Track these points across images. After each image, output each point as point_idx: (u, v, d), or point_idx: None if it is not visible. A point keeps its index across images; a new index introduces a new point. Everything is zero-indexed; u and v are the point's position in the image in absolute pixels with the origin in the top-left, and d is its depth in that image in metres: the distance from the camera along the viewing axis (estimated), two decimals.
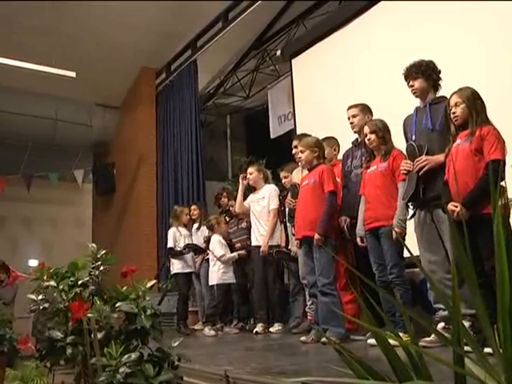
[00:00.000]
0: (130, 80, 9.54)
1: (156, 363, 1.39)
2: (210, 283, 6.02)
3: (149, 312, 1.44)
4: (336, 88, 6.32)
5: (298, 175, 4.95)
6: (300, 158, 4.20)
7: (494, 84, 4.12)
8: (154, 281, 1.62)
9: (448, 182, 3.03)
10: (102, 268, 1.65)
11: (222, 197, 6.68)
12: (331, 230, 3.99)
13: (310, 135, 4.59)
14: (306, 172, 4.71)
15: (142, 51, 8.75)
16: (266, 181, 5.68)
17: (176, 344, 1.50)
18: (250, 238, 5.77)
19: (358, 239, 3.81)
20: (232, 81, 9.56)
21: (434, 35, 5.03)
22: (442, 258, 3.27)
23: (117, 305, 1.47)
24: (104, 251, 1.66)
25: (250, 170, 5.74)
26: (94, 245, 1.65)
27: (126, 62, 8.89)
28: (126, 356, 1.33)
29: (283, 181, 5.30)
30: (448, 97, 3.29)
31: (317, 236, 3.89)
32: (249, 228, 5.93)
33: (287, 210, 5.17)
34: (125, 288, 1.66)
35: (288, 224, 5.23)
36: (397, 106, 4.81)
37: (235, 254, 5.96)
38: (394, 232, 3.49)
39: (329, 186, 4.01)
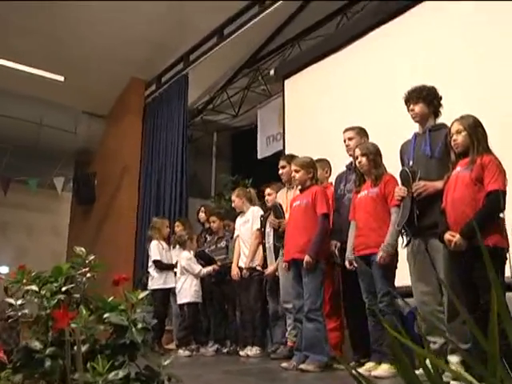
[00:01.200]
0: (119, 89, 9.43)
1: (144, 382, 1.27)
2: (180, 301, 5.94)
3: (140, 325, 1.32)
4: (328, 111, 6.30)
5: (282, 195, 4.91)
6: (294, 177, 4.15)
7: (495, 112, 4.11)
8: (147, 292, 1.51)
9: (445, 210, 2.98)
10: (89, 275, 1.53)
11: (200, 212, 6.60)
12: (322, 254, 3.92)
13: (297, 156, 4.56)
14: (291, 193, 4.67)
15: (133, 61, 8.66)
16: (251, 201, 5.63)
17: (166, 363, 1.38)
18: (228, 258, 5.76)
19: (347, 263, 3.73)
20: (222, 98, 9.52)
21: (434, 60, 5.06)
22: (435, 289, 3.21)
23: (105, 316, 1.35)
24: (93, 256, 1.54)
25: (232, 197, 5.76)
26: (82, 249, 1.54)
27: (116, 71, 8.79)
28: (114, 373, 1.21)
29: (266, 197, 5.24)
30: (448, 124, 3.28)
31: (308, 258, 3.82)
32: (228, 247, 5.92)
33: (268, 230, 5.12)
34: (111, 298, 1.54)
35: (267, 245, 5.16)
36: (392, 131, 4.82)
37: (210, 268, 5.90)
38: (378, 256, 3.42)
39: (322, 208, 3.97)
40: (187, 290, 5.89)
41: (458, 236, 2.78)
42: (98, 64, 8.42)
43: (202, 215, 6.54)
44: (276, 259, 4.94)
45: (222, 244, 6.03)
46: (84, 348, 1.36)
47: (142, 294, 1.43)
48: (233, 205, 5.75)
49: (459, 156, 3.00)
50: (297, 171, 4.13)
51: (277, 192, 5.10)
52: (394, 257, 3.50)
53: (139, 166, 9.36)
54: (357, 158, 3.75)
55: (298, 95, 6.99)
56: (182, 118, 8.75)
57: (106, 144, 9.92)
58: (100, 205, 9.77)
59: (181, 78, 8.76)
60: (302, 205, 4.06)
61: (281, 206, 4.51)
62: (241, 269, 5.41)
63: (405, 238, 3.40)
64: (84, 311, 1.39)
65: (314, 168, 4.16)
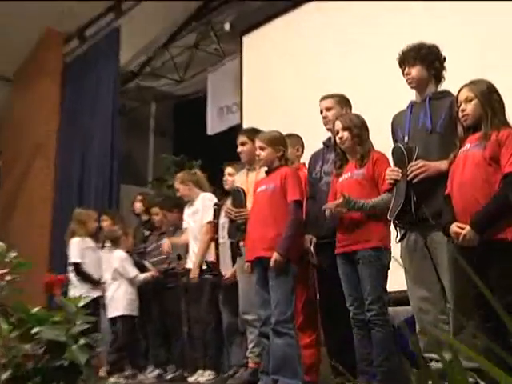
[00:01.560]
0: (30, 44, 9.11)
1: None
2: (112, 314, 5.90)
3: (82, 342, 1.23)
4: (298, 76, 6.32)
5: (241, 178, 4.87)
6: (259, 155, 4.10)
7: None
8: (90, 297, 1.42)
9: (451, 196, 2.99)
10: (9, 277, 1.42)
11: (136, 201, 6.56)
12: (294, 251, 3.89)
13: (261, 130, 4.54)
14: (253, 175, 4.64)
15: (47, 7, 8.33)
16: (200, 187, 5.62)
17: None
18: (169, 258, 5.80)
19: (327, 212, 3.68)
20: (163, 58, 9.42)
21: (429, 14, 5.08)
22: (437, 295, 3.23)
23: (34, 330, 1.26)
24: (15, 253, 1.44)
25: (175, 185, 5.73)
26: (0, 243, 1.43)
27: (25, 21, 8.46)
28: None
29: (225, 178, 5.20)
30: (452, 92, 3.29)
31: (277, 256, 3.77)
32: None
33: (222, 221, 5.09)
34: (38, 308, 1.45)
35: (221, 240, 5.14)
36: (381, 101, 4.85)
37: (148, 274, 5.87)
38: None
39: (294, 194, 3.93)
40: (120, 300, 5.81)
41: (467, 228, 2.79)
42: (2, 11, 8.11)
43: (138, 205, 6.48)
44: (233, 259, 4.91)
45: (164, 241, 5.94)
46: (5, 375, 1.27)
47: (83, 301, 1.35)
48: (177, 194, 5.70)
49: (469, 130, 3.01)
50: (262, 148, 4.09)
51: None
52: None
53: (56, 144, 9.11)
54: (337, 132, 3.74)
55: (259, 56, 6.97)
56: (111, 82, 8.60)
57: (13, 115, 9.64)
58: (4, 193, 9.51)
59: (111, 31, 8.58)
60: (269, 190, 4.02)
61: (243, 190, 4.46)
62: (188, 271, 5.37)
63: (399, 230, 3.40)
64: (4, 326, 1.29)
65: (283, 145, 4.13)
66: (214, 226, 5.27)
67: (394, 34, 5.03)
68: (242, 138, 4.79)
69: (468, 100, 3.00)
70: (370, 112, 4.07)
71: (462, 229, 2.82)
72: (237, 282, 4.80)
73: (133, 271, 5.85)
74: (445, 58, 3.49)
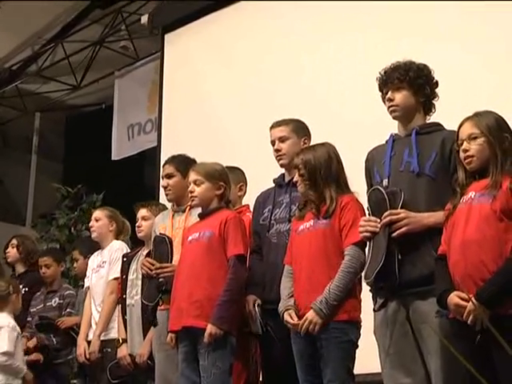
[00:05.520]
0: None
1: None
2: None
3: None
4: (237, 88, 6.33)
5: (163, 222, 4.82)
6: (192, 192, 4.10)
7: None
8: None
9: (448, 257, 3.01)
10: None
11: (10, 246, 6.49)
12: (234, 321, 3.89)
13: (194, 160, 4.60)
14: (180, 219, 4.63)
15: None
16: (118, 236, 5.60)
17: None
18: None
19: (286, 315, 3.63)
20: (54, 56, 9.38)
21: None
22: (420, 382, 3.23)
23: None
24: None
25: (96, 214, 5.67)
26: None
27: None
28: None
29: (139, 223, 5.13)
30: (443, 124, 3.36)
31: (212, 329, 3.76)
32: (61, 307, 5.88)
33: (131, 277, 5.05)
34: None
35: (129, 301, 5.05)
36: (338, 129, 4.88)
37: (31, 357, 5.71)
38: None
39: (236, 247, 3.96)
40: None
41: (474, 301, 2.77)
42: None
43: (12, 252, 6.40)
44: (144, 329, 4.83)
45: (54, 302, 5.89)
46: None
47: None
48: (92, 227, 5.60)
49: (473, 175, 3.06)
50: (197, 183, 4.10)
51: (157, 215, 4.97)
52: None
53: None
54: (299, 171, 3.75)
55: (185, 60, 7.06)
56: None
57: None
58: None
59: None
60: (204, 239, 4.03)
61: (169, 239, 4.38)
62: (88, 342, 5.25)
63: (377, 297, 3.40)
64: None
65: (225, 181, 4.16)
66: (122, 283, 5.17)
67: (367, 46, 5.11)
68: (168, 169, 4.76)
69: (472, 138, 3.04)
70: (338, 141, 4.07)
71: (465, 301, 2.82)
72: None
73: (9, 345, 5.45)
74: (437, 83, 3.56)
